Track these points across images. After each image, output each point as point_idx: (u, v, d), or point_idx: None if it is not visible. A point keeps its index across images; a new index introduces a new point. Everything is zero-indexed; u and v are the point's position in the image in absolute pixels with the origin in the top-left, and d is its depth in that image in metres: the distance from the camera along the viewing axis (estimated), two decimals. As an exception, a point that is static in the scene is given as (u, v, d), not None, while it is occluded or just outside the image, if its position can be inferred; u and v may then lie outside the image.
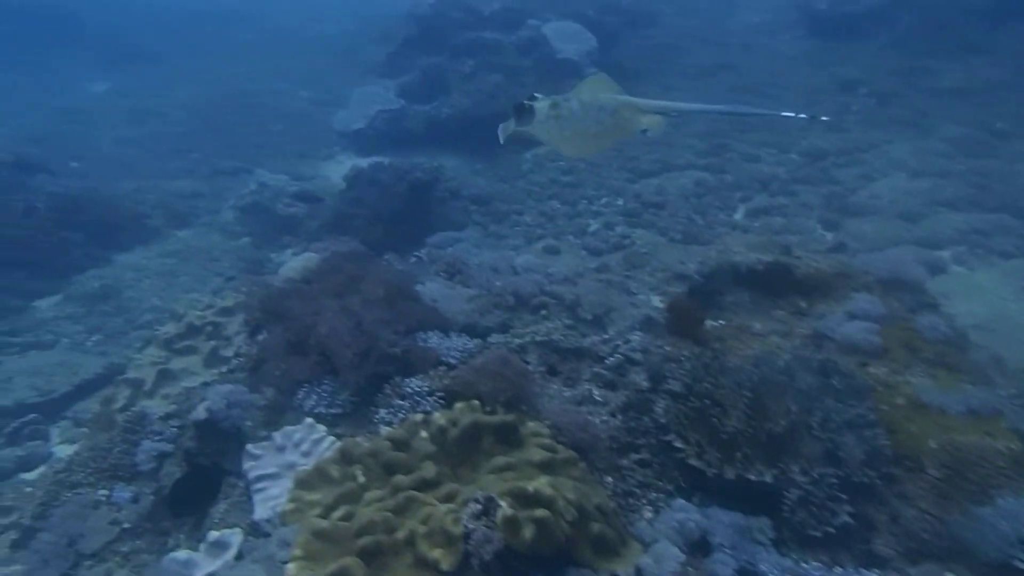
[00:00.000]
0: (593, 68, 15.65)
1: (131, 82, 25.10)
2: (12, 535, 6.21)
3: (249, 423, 5.91)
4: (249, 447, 5.55)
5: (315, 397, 5.96)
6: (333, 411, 5.87)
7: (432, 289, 7.63)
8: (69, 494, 6.22)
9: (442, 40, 17.39)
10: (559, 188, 13.15)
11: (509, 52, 16.51)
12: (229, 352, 7.42)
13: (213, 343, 7.43)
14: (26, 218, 11.56)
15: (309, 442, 5.54)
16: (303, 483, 5.01)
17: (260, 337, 7.04)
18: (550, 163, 14.00)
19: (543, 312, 7.50)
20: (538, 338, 6.52)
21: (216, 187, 14.86)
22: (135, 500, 6.09)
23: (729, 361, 5.51)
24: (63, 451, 8.04)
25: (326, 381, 6.08)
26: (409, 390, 5.77)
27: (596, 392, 5.90)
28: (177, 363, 7.34)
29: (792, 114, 5.25)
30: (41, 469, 7.86)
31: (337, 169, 15.33)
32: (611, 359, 6.23)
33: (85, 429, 7.73)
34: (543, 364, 6.37)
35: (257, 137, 18.46)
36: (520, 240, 11.59)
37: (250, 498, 5.39)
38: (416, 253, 10.75)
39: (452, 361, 6.13)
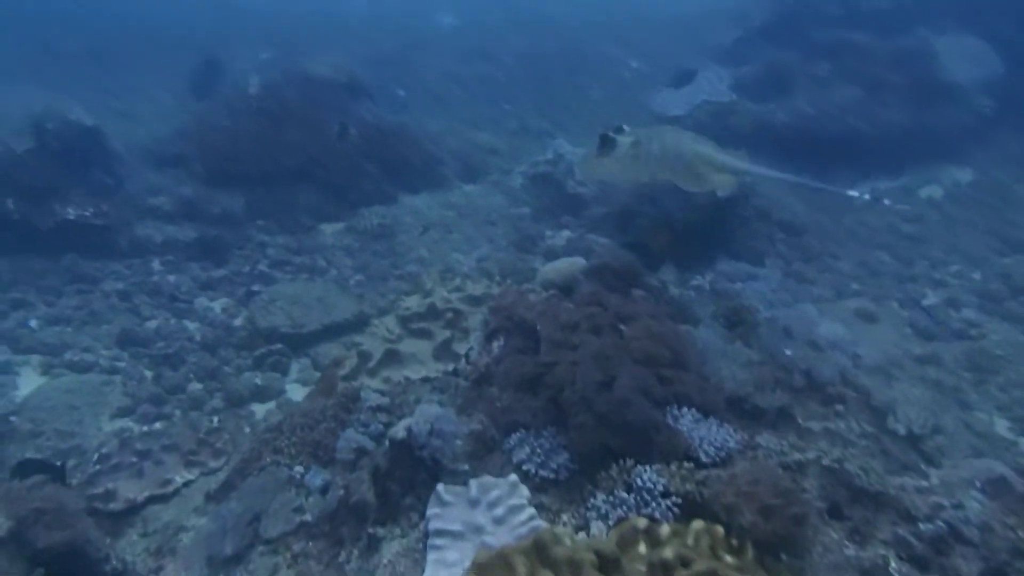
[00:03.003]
0: (987, 100, 12.61)
1: (477, 19, 25.73)
2: (212, 484, 5.99)
3: (449, 456, 5.01)
4: (440, 489, 4.63)
5: (529, 449, 4.96)
6: (544, 473, 4.85)
7: (704, 337, 6.20)
8: (269, 459, 5.82)
9: (800, 34, 15.11)
10: (895, 238, 10.76)
11: (879, 61, 13.66)
12: (462, 348, 6.61)
13: (449, 333, 6.67)
14: (338, 142, 11.79)
15: (506, 506, 4.50)
16: (481, 569, 3.98)
17: (495, 344, 6.13)
18: (893, 203, 11.52)
19: (838, 407, 5.81)
20: (827, 461, 4.84)
21: (515, 146, 14.32)
22: (324, 490, 5.51)
23: None
24: (294, 391, 7.86)
25: (547, 432, 5.01)
26: (639, 482, 4.47)
27: (894, 565, 4.26)
28: (408, 345, 6.69)
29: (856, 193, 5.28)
30: (270, 405, 7.73)
31: (643, 154, 14.07)
32: (928, 525, 4.42)
33: (312, 385, 7.48)
34: (825, 499, 4.72)
35: (572, 100, 17.72)
36: (828, 291, 9.54)
37: (425, 550, 4.50)
38: (699, 277, 9.23)
39: (703, 458, 4.72)
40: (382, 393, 6.21)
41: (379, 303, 9.02)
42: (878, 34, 14.37)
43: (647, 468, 4.52)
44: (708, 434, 4.86)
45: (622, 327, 5.58)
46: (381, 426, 5.87)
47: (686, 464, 4.61)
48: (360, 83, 13.89)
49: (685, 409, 5.03)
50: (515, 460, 4.95)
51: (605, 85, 18.72)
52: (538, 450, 4.92)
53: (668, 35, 23.21)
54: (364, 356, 6.58)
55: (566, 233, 10.99)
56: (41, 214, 9.67)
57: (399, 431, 5.01)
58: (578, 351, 5.26)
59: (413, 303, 7.04)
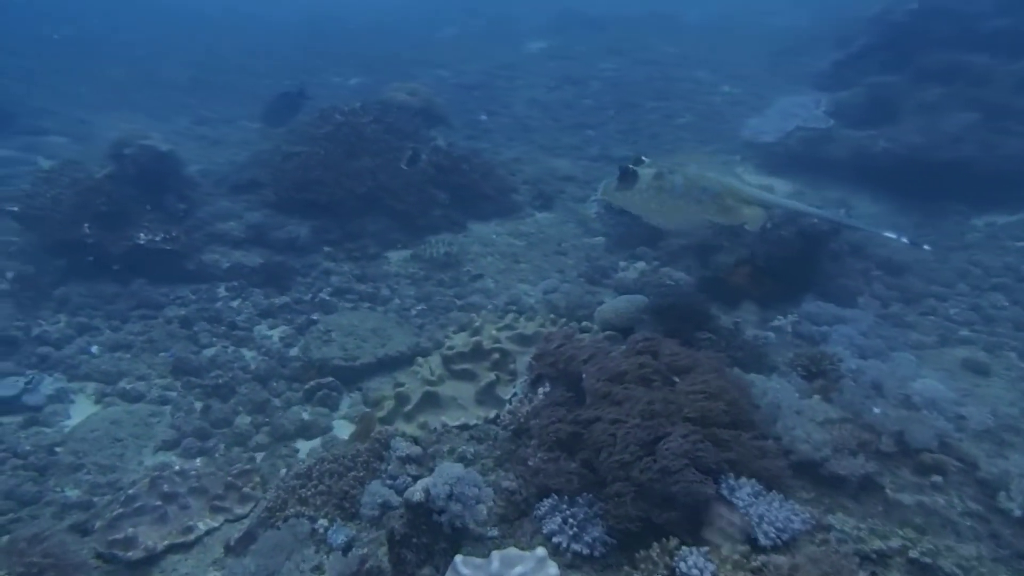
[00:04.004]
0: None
1: (566, 45, 25.44)
2: (235, 533, 5.66)
3: (472, 522, 4.49)
4: (458, 561, 4.10)
5: (560, 519, 4.40)
6: (577, 547, 4.30)
7: (776, 389, 5.48)
8: (293, 509, 5.44)
9: (908, 56, 13.97)
10: (1015, 279, 9.59)
11: (1002, 85, 12.39)
12: (507, 393, 6.09)
13: (493, 376, 6.16)
14: (408, 166, 11.58)
15: (530, 586, 3.93)
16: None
17: (540, 391, 5.60)
18: (1012, 241, 10.36)
19: (936, 479, 5.03)
20: (915, 553, 4.07)
21: (594, 173, 13.75)
22: (346, 549, 5.07)
23: None
24: (341, 429, 7.52)
25: (582, 500, 4.43)
26: (684, 566, 3.86)
27: None
28: (448, 388, 6.21)
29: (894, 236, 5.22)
30: (315, 443, 7.41)
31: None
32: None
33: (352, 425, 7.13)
34: (912, 607, 3.97)
35: (658, 126, 17.07)
36: (931, 337, 8.52)
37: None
38: (780, 317, 8.43)
39: (762, 540, 4.05)
40: (415, 441, 5.75)
41: (437, 336, 8.63)
42: (998, 56, 13.11)
43: (694, 550, 3.91)
44: (769, 511, 4.17)
45: (676, 379, 4.94)
46: (410, 479, 5.41)
47: (740, 547, 3.97)
48: (436, 109, 13.73)
49: (744, 480, 4.34)
50: (545, 530, 4.39)
51: (694, 111, 17.97)
52: (571, 520, 4.34)
53: (764, 59, 22.26)
54: (401, 399, 6.16)
55: (640, 265, 10.38)
56: (114, 239, 9.80)
57: (416, 492, 4.52)
58: (623, 406, 4.66)
59: (458, 341, 6.58)
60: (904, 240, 4.96)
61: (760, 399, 5.33)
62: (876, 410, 5.44)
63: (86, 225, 9.78)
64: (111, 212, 10.01)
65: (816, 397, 5.68)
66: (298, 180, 11.14)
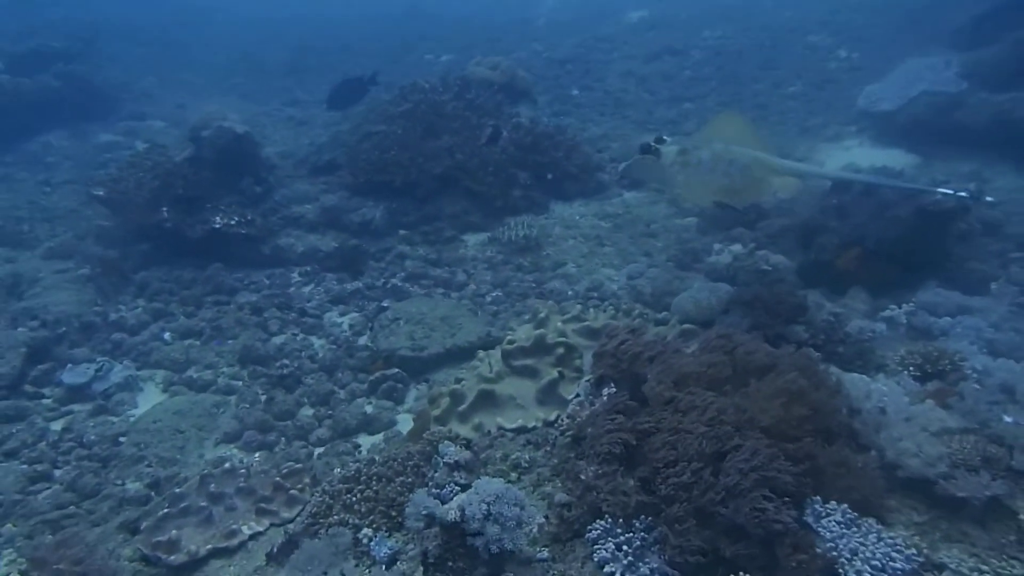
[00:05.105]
0: None
1: (668, 13, 24.14)
2: (278, 538, 5.31)
3: (512, 545, 3.92)
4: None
5: (614, 545, 3.76)
6: None
7: (883, 392, 4.68)
8: (337, 516, 5.03)
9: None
10: None
11: None
12: (571, 393, 5.47)
13: (556, 373, 5.54)
14: (488, 145, 11.02)
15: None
16: None
17: (605, 393, 4.95)
18: None
19: None
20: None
21: (689, 149, 12.79)
22: (390, 563, 4.61)
23: None
24: (405, 424, 7.10)
25: (639, 524, 3.82)
26: (753, 617, 3.16)
27: None
28: (506, 386, 5.63)
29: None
30: (377, 438, 7.06)
31: (840, 157, 11.99)
32: None
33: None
34: None
35: (763, 96, 15.77)
36: (1081, 331, 7.28)
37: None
38: (894, 306, 7.38)
39: (854, 583, 3.32)
40: (467, 444, 5.21)
41: (511, 324, 8.07)
42: None
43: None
44: (864, 545, 3.44)
45: (752, 381, 4.20)
46: (458, 488, 4.88)
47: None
48: (519, 84, 13.07)
49: (833, 504, 3.60)
50: (596, 558, 3.78)
51: (805, 79, 16.50)
52: (625, 548, 3.73)
53: (892, 18, 20.21)
54: (456, 397, 5.63)
55: (736, 248, 9.44)
56: (191, 222, 9.74)
57: (451, 511, 4.01)
58: (688, 415, 3.98)
59: (520, 335, 5.99)
60: (963, 194, 4.73)
61: (861, 403, 4.54)
62: (1007, 419, 4.51)
63: (165, 209, 9.77)
64: (189, 196, 9.98)
65: (930, 402, 4.79)
66: (374, 161, 10.78)
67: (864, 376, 5.05)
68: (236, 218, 9.82)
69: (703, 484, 3.65)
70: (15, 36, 17.80)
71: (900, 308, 7.24)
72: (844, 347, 5.78)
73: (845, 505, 3.59)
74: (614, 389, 4.89)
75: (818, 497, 3.65)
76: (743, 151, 5.40)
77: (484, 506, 3.91)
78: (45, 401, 7.51)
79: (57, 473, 6.61)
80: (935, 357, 5.39)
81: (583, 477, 4.14)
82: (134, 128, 16.12)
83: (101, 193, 10.05)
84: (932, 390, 5.02)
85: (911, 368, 5.43)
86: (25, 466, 6.60)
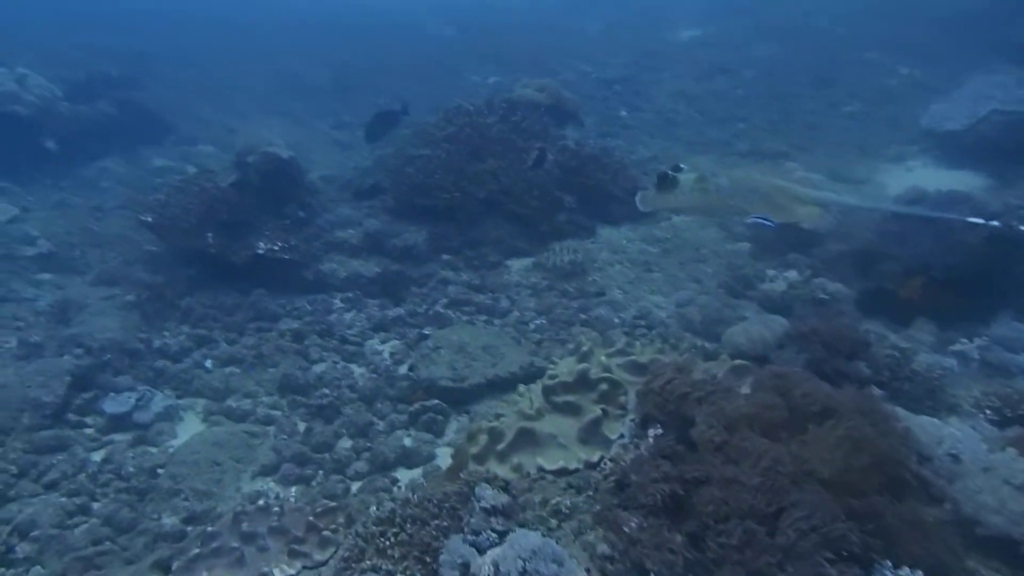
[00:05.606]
0: None
1: (720, 32, 23.75)
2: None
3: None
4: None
5: (657, 606, 3.44)
6: None
7: (957, 438, 4.32)
8: (370, 562, 4.80)
9: None
10: None
11: None
12: (614, 432, 5.17)
13: (600, 410, 5.24)
14: (533, 168, 10.82)
15: None
16: None
17: (651, 434, 4.66)
18: None
19: None
20: None
21: (741, 170, 12.41)
22: (419, 617, 4.38)
23: None
24: (445, 457, 6.87)
25: (687, 582, 3.50)
26: None
27: None
28: (547, 424, 5.36)
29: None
30: (416, 472, 6.86)
31: (902, 179, 11.46)
32: None
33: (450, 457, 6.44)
34: None
35: (819, 116, 15.28)
36: None
37: None
38: (965, 340, 6.93)
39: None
40: (505, 487, 4.95)
41: (555, 353, 7.81)
42: None
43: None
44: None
45: (810, 427, 3.87)
46: (496, 536, 4.61)
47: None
48: (567, 105, 12.86)
49: (906, 571, 3.26)
50: (635, 619, 3.49)
51: (862, 96, 15.96)
52: (672, 614, 3.41)
53: (956, 33, 19.40)
54: (495, 435, 5.37)
55: (791, 275, 9.06)
56: (235, 248, 9.72)
57: (484, 567, 3.76)
58: (740, 464, 3.67)
59: (563, 370, 5.71)
60: (995, 223, 4.73)
61: (932, 449, 4.18)
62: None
63: (209, 235, 9.77)
64: (233, 221, 9.97)
65: (1012, 450, 4.37)
66: (417, 184, 10.66)
67: (934, 419, 4.67)
68: (280, 243, 9.78)
69: (758, 545, 3.34)
70: (74, 63, 18.27)
71: (972, 342, 6.81)
72: (911, 385, 5.38)
73: (920, 572, 3.24)
74: (660, 431, 4.60)
75: (888, 562, 3.30)
76: (763, 179, 5.47)
77: (520, 562, 3.66)
78: (87, 431, 7.47)
79: (95, 506, 6.54)
80: (1016, 400, 4.96)
81: (626, 529, 3.85)
82: (187, 153, 16.35)
83: (149, 219, 10.10)
84: (1014, 436, 4.61)
85: (988, 411, 5.04)
86: (64, 499, 6.55)
